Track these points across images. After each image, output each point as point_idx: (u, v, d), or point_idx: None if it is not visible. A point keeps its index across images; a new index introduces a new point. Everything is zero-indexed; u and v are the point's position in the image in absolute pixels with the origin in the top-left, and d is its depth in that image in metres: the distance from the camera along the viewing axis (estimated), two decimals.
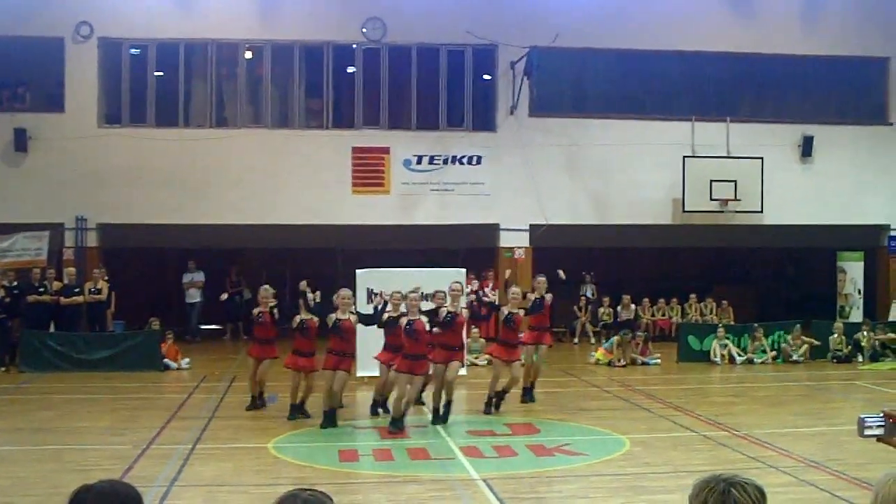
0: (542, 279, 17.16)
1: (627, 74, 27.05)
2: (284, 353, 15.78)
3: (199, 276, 26.15)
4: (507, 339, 16.02)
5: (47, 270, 22.78)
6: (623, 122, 26.31)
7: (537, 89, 25.56)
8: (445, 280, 18.97)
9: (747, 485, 3.18)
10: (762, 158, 25.90)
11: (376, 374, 16.10)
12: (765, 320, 24.61)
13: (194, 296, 26.13)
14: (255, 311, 16.25)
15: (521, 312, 16.34)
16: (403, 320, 14.29)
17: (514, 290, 16.49)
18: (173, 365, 21.07)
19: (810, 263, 30.58)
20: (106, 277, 22.82)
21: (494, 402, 15.73)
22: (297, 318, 14.97)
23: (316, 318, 14.89)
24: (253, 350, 16.26)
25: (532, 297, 16.80)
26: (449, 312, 14.70)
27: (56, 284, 22.34)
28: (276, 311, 15.98)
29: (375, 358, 15.79)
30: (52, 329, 21.81)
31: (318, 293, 15.01)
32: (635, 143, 26.00)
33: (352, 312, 14.69)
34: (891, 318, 25.01)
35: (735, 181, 25.72)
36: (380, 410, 15.59)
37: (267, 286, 16.55)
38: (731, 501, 3.14)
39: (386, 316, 14.86)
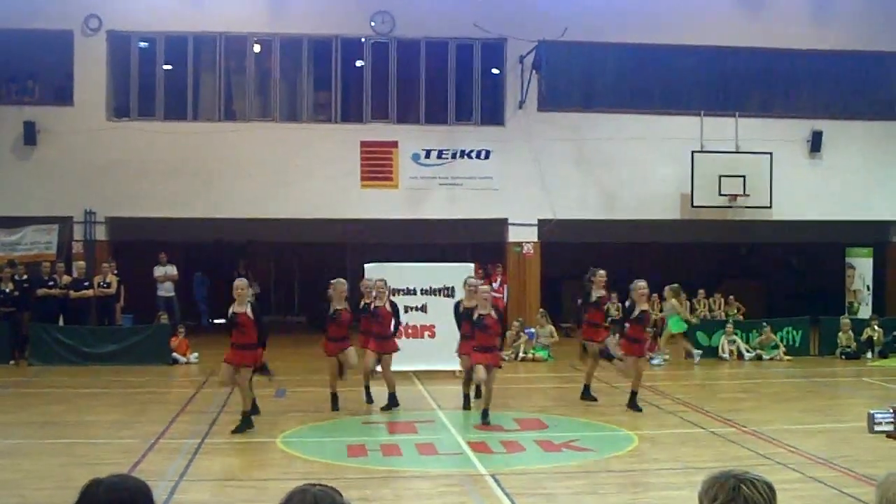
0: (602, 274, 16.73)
1: (636, 69, 27.00)
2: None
3: (173, 270, 25.14)
4: (634, 336, 15.60)
5: (56, 264, 22.84)
6: (632, 117, 26.28)
7: (546, 83, 25.53)
8: (453, 274, 19.18)
9: (757, 481, 3.18)
10: (771, 154, 25.86)
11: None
12: (773, 316, 24.59)
13: (169, 290, 25.02)
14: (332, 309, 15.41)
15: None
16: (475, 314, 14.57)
17: (641, 283, 15.65)
18: (182, 359, 21.11)
19: (819, 259, 30.52)
20: (115, 271, 22.82)
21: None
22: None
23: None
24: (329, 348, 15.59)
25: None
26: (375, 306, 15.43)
27: (65, 278, 22.37)
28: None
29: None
30: (61, 323, 21.86)
31: None
32: (644, 137, 25.97)
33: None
34: None
35: (744, 176, 25.67)
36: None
37: (342, 280, 15.90)
38: (741, 498, 3.14)
39: (462, 309, 15.48)
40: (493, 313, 14.46)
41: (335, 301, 15.26)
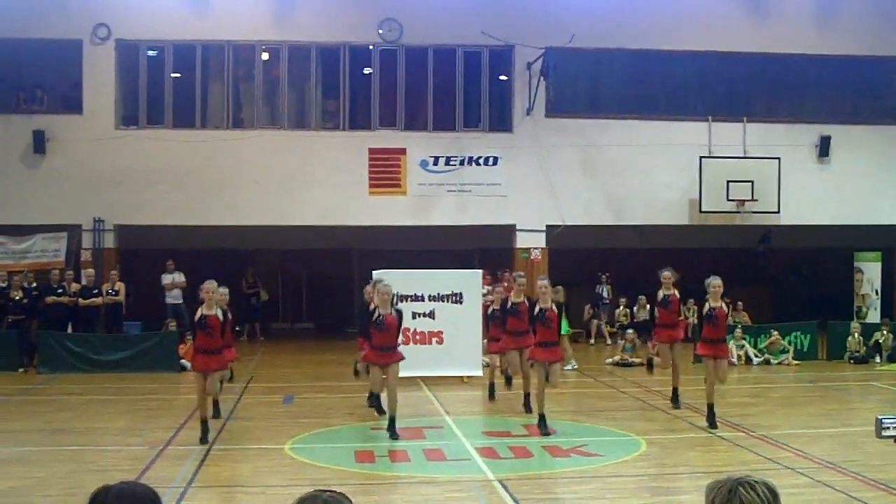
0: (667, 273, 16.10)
1: (643, 75, 26.99)
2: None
3: (180, 277, 24.76)
4: (709, 336, 14.47)
5: (65, 272, 22.89)
6: (639, 123, 26.27)
7: (553, 90, 25.53)
8: (461, 281, 19.28)
9: (756, 484, 3.17)
10: (779, 159, 25.82)
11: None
12: (781, 321, 24.54)
13: (177, 297, 24.75)
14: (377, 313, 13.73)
15: None
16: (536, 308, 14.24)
17: (717, 281, 14.42)
18: (190, 366, 21.12)
19: (827, 264, 30.47)
20: (119, 279, 22.81)
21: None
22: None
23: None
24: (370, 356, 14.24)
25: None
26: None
27: (74, 286, 22.43)
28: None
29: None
30: (69, 330, 21.91)
31: None
32: (651, 143, 25.96)
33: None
34: None
35: (752, 181, 25.64)
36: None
37: (386, 284, 14.10)
38: (737, 500, 3.13)
39: (510, 304, 15.69)
40: (553, 307, 13.95)
41: (380, 306, 13.62)
